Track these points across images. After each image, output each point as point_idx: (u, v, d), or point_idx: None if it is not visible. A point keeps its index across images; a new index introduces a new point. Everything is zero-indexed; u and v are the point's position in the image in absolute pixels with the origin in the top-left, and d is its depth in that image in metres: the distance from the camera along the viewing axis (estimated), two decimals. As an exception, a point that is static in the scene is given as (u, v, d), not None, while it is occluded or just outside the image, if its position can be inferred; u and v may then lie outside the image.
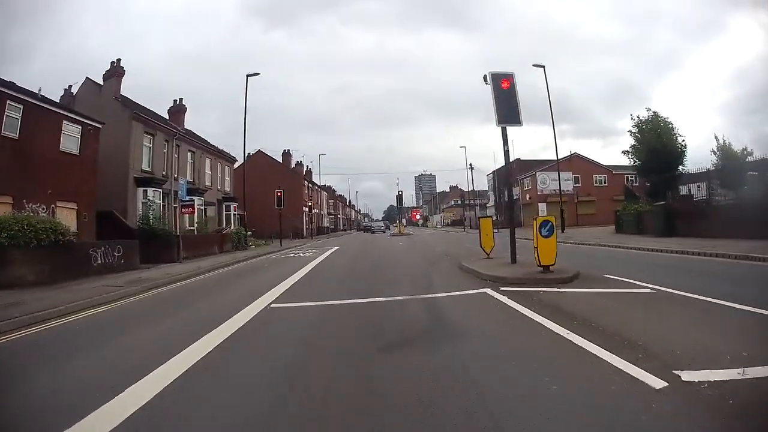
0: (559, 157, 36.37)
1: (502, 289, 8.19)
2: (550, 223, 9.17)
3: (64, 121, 17.93)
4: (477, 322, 5.88)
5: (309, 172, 64.32)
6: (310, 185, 60.59)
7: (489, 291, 8.09)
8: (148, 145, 23.10)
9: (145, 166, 22.60)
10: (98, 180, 20.48)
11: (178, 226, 22.54)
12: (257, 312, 7.24)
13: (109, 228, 19.26)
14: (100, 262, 15.20)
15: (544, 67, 31.48)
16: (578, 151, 54.31)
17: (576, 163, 49.52)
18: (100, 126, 19.39)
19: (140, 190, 21.57)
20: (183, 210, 21.54)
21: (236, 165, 36.49)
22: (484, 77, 11.25)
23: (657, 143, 25.74)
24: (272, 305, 7.84)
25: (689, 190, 25.77)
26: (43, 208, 16.29)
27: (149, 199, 21.67)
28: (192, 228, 24.79)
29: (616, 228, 26.41)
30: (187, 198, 22.22)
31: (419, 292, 8.50)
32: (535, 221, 9.37)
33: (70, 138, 18.10)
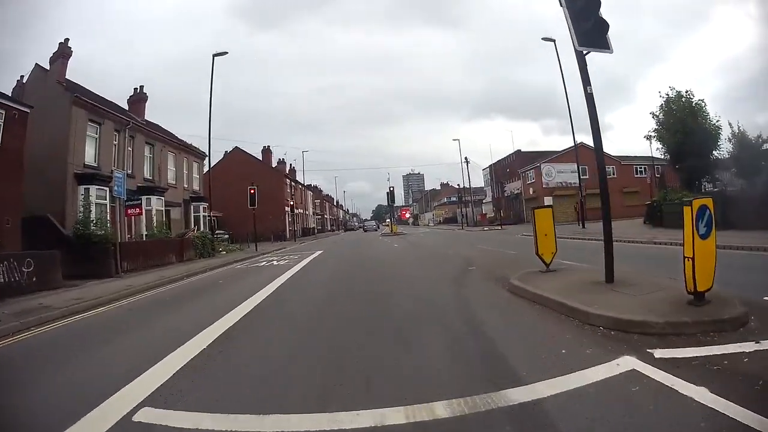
0: (574, 145, 33.90)
1: (662, 356, 3.91)
2: (709, 212, 4.97)
3: (-23, 105, 14.79)
4: None
5: (292, 170, 61.27)
6: (293, 184, 57.41)
7: (640, 366, 3.74)
8: (94, 135, 19.82)
9: (89, 161, 19.34)
10: (30, 178, 17.31)
11: (125, 232, 19.43)
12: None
13: (42, 236, 16.07)
14: (3, 280, 12.07)
15: (554, 41, 28.07)
16: (562, 145, 52.13)
17: (582, 153, 46.08)
18: (27, 110, 16.17)
19: (82, 188, 18.32)
20: (128, 212, 18.46)
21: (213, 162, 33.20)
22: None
23: (690, 124, 23.15)
24: (139, 413, 3.56)
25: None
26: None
27: (92, 200, 18.42)
28: (150, 233, 21.60)
29: (651, 221, 23.00)
30: (134, 198, 19.20)
31: (477, 380, 3.72)
32: (688, 209, 4.90)
33: (-14, 125, 14.95)
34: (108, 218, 17.13)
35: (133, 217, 20.32)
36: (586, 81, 6.72)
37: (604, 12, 6.45)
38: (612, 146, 46.63)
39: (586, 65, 6.76)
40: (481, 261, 13.18)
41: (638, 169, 47.21)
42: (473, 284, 8.98)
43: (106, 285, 13.55)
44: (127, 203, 18.93)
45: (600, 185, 7.03)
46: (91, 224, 16.93)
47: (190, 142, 30.96)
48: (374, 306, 7.47)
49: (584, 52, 6.63)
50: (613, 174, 46.09)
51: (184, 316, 8.31)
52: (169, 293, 12.09)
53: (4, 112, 15.25)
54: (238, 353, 5.23)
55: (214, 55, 26.12)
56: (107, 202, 17.57)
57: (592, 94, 6.72)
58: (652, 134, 26.83)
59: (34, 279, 12.78)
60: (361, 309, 7.30)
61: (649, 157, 40.80)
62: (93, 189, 18.51)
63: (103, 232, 16.71)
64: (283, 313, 7.66)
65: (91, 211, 17.72)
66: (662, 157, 29.67)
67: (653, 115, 26.20)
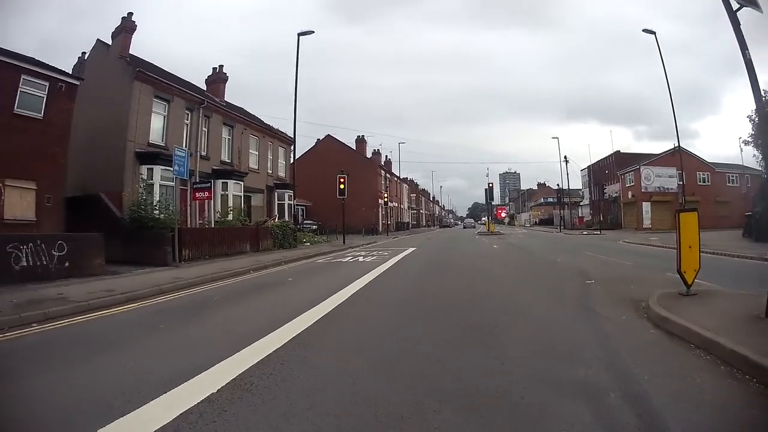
0: (674, 147, 33.44)
1: None
2: None
3: (23, 75, 13.14)
4: None
5: (388, 162, 58.60)
6: (388, 176, 54.67)
7: None
8: (161, 113, 17.92)
9: (154, 139, 17.45)
10: (89, 155, 15.77)
11: (195, 217, 17.36)
12: None
13: (93, 216, 14.37)
14: (26, 264, 10.05)
15: (654, 33, 26.44)
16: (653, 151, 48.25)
17: (680, 158, 41.20)
18: (76, 83, 14.48)
19: (144, 168, 16.44)
20: (196, 195, 16.25)
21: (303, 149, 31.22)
22: None
23: None
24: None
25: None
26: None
27: (155, 181, 16.48)
28: (223, 219, 19.52)
29: (753, 235, 20.62)
30: (204, 181, 17.05)
31: None
32: None
33: (30, 97, 13.35)
34: (175, 201, 15.02)
35: (205, 201, 18.26)
36: (742, 44, 6.16)
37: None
38: (700, 154, 42.04)
39: (740, 25, 6.22)
40: (597, 273, 10.69)
41: (730, 178, 43.80)
42: (602, 309, 6.45)
43: (152, 276, 11.22)
44: (195, 186, 16.83)
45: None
46: (151, 207, 14.90)
47: (277, 127, 28.94)
48: (476, 349, 4.63)
49: (734, 7, 6.20)
50: (707, 181, 43.36)
51: (205, 332, 5.92)
52: (218, 291, 9.66)
53: (48, 84, 13.60)
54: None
55: (299, 34, 24.22)
56: (174, 184, 15.49)
57: (750, 59, 6.09)
58: (749, 139, 24.67)
59: (67, 264, 10.79)
60: (453, 356, 4.44)
61: (740, 165, 39.11)
62: (157, 169, 16.54)
63: (162, 216, 14.56)
64: (333, 350, 4.77)
65: (151, 192, 15.74)
66: (758, 165, 27.36)
67: (750, 119, 24.10)
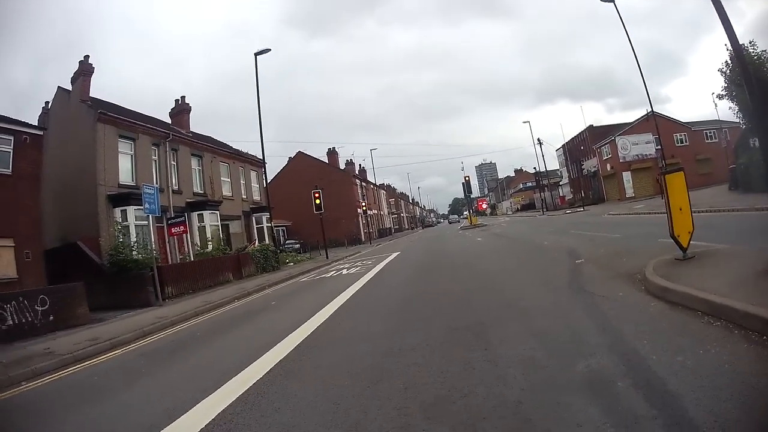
0: (647, 113, 33.30)
1: None
2: None
3: (-15, 131, 13.19)
4: None
5: (362, 171, 58.94)
6: (364, 184, 55.01)
7: None
8: (128, 152, 17.99)
9: (125, 180, 17.51)
10: (62, 204, 15.80)
11: (175, 253, 17.45)
12: None
13: (74, 265, 14.39)
14: (12, 322, 10.16)
15: (613, 1, 25.72)
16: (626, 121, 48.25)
17: (654, 123, 42.20)
18: (40, 133, 14.49)
19: (118, 210, 16.50)
20: (171, 231, 16.35)
21: (271, 169, 31.32)
22: None
23: (763, 75, 19.76)
24: None
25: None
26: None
27: (131, 222, 16.55)
28: (202, 251, 19.60)
29: (739, 187, 20.83)
30: (177, 216, 17.16)
31: None
32: None
33: (-5, 153, 13.36)
34: (152, 240, 15.10)
35: (183, 235, 18.33)
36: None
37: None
38: (675, 115, 42.74)
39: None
40: (586, 251, 10.09)
41: (708, 134, 43.75)
42: (597, 289, 5.93)
43: (135, 318, 11.33)
44: (169, 221, 16.94)
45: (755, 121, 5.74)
46: (129, 249, 14.97)
47: (246, 151, 29.07)
48: (466, 353, 4.24)
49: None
50: (685, 141, 43.50)
51: (187, 372, 5.85)
52: (201, 325, 9.71)
53: (12, 138, 13.61)
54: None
55: (256, 54, 23.72)
56: (149, 222, 15.57)
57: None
58: (722, 93, 24.45)
59: (51, 318, 10.91)
60: (441, 363, 4.09)
61: (717, 120, 38.91)
62: (130, 209, 16.59)
63: (141, 256, 14.66)
64: (325, 368, 4.66)
65: (127, 234, 15.82)
66: (736, 117, 27.09)
67: (721, 72, 23.79)
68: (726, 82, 23.79)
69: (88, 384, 6.07)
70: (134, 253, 14.96)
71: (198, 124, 23.96)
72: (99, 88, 18.56)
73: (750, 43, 22.05)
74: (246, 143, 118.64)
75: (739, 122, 28.64)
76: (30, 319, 10.45)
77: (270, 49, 24.04)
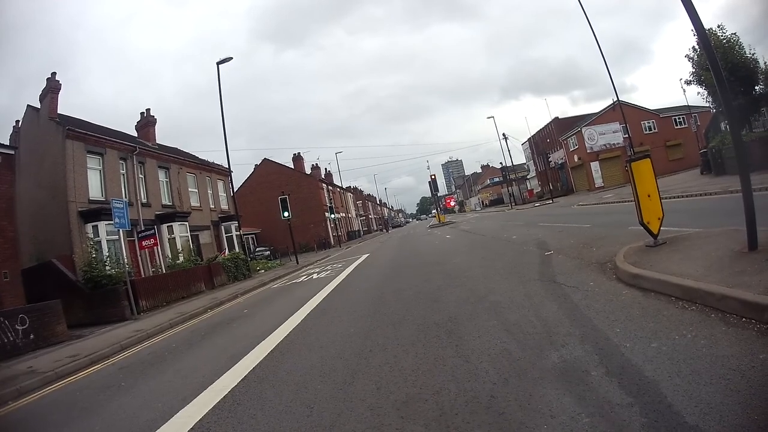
0: (613, 102, 33.13)
1: None
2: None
3: (-46, 154, 13.37)
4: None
5: (328, 174, 59.52)
6: (330, 188, 55.58)
7: None
8: (96, 167, 18.28)
9: (95, 195, 17.79)
10: (36, 223, 15.99)
11: (147, 266, 17.79)
12: None
13: (51, 283, 14.64)
14: (-7, 344, 10.49)
15: None
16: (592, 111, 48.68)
17: (621, 111, 43.29)
18: (11, 152, 14.66)
19: (89, 226, 16.78)
20: (142, 244, 16.72)
21: (243, 178, 31.59)
22: None
23: (733, 57, 20.83)
24: None
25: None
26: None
27: (103, 237, 16.86)
28: (173, 263, 19.94)
29: (710, 170, 21.14)
30: (147, 229, 17.49)
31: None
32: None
33: (-35, 175, 13.54)
34: (125, 254, 15.43)
35: (154, 248, 18.66)
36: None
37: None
38: (642, 104, 43.89)
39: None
40: (555, 242, 10.20)
41: (677, 120, 43.60)
42: (567, 280, 5.97)
43: (112, 333, 11.76)
44: (140, 235, 17.29)
45: (723, 105, 4.78)
46: (102, 264, 15.32)
47: (212, 160, 29.35)
48: (437, 350, 4.30)
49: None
50: (654, 128, 43.23)
51: (164, 384, 5.92)
52: (177, 337, 9.97)
53: (-18, 159, 13.79)
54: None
55: (218, 63, 23.61)
56: (120, 237, 15.89)
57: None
58: (690, 78, 24.24)
59: (32, 336, 11.28)
60: (412, 362, 4.13)
61: (685, 106, 38.84)
62: (102, 225, 16.90)
63: (114, 271, 15.04)
64: (298, 373, 4.67)
65: (100, 250, 16.14)
66: (705, 101, 27.23)
67: (688, 58, 23.93)
68: (694, 67, 24.01)
69: (71, 401, 6.13)
70: (107, 268, 15.33)
71: (171, 137, 24.29)
72: (77, 107, 18.63)
73: (719, 26, 22.41)
74: (217, 153, 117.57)
75: (709, 107, 29.20)
76: (11, 339, 10.80)
77: (232, 58, 23.96)
